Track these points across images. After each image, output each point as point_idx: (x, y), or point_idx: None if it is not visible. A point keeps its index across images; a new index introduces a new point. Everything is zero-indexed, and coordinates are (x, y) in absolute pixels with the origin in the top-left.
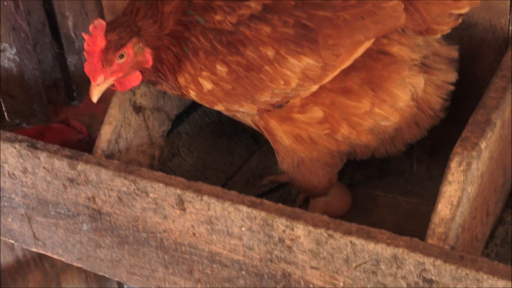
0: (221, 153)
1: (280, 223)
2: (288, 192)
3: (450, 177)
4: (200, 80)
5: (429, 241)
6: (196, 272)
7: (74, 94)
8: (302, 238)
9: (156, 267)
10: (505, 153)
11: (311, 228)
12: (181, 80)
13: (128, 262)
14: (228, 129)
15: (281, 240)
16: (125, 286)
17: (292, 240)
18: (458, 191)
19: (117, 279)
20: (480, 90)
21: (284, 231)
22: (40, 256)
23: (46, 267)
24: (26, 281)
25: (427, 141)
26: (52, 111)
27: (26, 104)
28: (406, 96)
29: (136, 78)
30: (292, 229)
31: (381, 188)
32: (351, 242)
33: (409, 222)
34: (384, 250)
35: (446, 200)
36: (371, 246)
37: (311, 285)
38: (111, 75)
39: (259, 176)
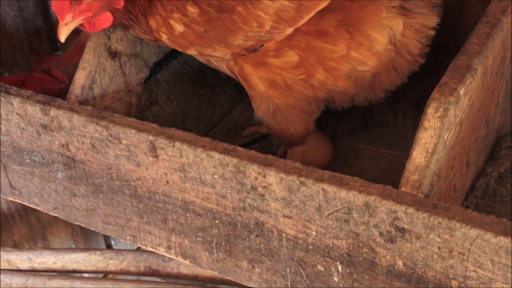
0: (202, 103)
1: (252, 170)
2: (269, 144)
3: (426, 124)
4: (171, 22)
5: (403, 189)
6: (170, 221)
7: (58, 44)
8: (274, 185)
9: (131, 217)
10: (488, 103)
11: (283, 175)
12: (152, 23)
13: (103, 211)
14: (210, 79)
15: (254, 188)
16: (112, 242)
17: (264, 187)
18: (434, 138)
19: (92, 229)
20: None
21: (256, 178)
22: (26, 209)
23: (32, 220)
24: (11, 234)
25: (412, 93)
26: (34, 61)
27: (8, 53)
28: (383, 39)
29: (106, 19)
30: (264, 176)
31: (365, 140)
32: (323, 189)
33: (390, 175)
34: (356, 198)
35: (421, 147)
36: (343, 193)
37: (284, 235)
38: (80, 14)
39: (241, 127)
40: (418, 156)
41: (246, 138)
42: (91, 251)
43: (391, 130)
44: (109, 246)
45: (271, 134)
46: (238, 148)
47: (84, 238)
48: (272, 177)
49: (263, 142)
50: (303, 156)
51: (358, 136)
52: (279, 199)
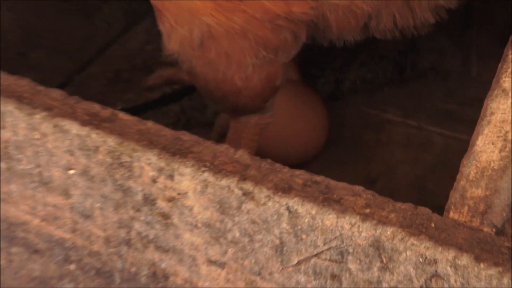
0: (64, 18)
1: (148, 163)
2: (196, 107)
3: (505, 82)
4: None
5: (452, 215)
6: None
7: None
8: (192, 197)
9: None
10: None
11: (209, 175)
12: None
13: None
14: None
15: (150, 201)
16: None
17: (171, 201)
18: None
19: None
20: None
21: (155, 180)
22: None
23: None
24: None
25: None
26: None
27: None
28: None
29: None
30: (172, 177)
31: (394, 105)
32: (289, 209)
33: (436, 177)
34: (356, 230)
35: (493, 130)
36: (329, 219)
37: None
38: None
39: (142, 69)
40: (486, 147)
41: (151, 91)
42: None
43: (444, 87)
44: None
45: (198, 89)
46: (121, 114)
47: None
48: (188, 180)
49: (188, 102)
50: (260, 137)
51: (382, 98)
52: (200, 225)
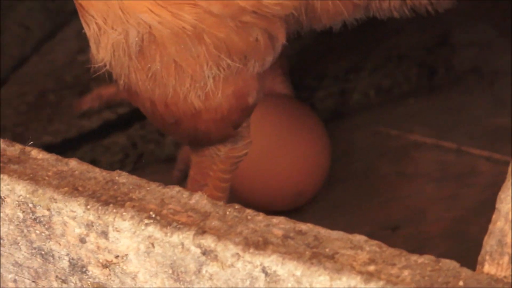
0: None
1: (71, 217)
2: (155, 136)
3: None
4: None
5: (487, 268)
6: None
7: None
8: (134, 259)
9: None
10: None
11: (155, 231)
12: None
13: None
14: None
15: (78, 268)
16: None
17: (107, 266)
18: None
19: None
20: None
21: (83, 240)
22: None
23: None
24: None
25: None
26: None
27: None
28: None
29: None
30: (106, 235)
31: (422, 122)
32: (264, 271)
33: (484, 213)
34: None
35: None
36: (322, 285)
37: None
38: None
39: (74, 87)
40: None
41: (88, 118)
42: None
43: (492, 94)
44: None
45: (143, 113)
46: (34, 152)
47: None
48: (127, 238)
49: (134, 134)
50: (233, 175)
51: (405, 114)
52: None
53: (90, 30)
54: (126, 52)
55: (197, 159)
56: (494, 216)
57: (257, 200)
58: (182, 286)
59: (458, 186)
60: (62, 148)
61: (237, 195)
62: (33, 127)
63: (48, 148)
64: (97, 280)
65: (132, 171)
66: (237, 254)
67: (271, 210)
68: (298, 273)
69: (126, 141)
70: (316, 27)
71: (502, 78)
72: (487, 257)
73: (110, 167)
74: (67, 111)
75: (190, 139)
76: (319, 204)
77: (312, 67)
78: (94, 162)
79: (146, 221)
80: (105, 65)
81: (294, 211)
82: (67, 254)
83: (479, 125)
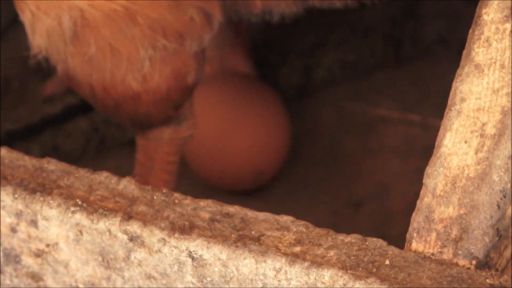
0: None
1: (0, 206)
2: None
3: (477, 56)
4: None
5: (415, 246)
6: None
7: None
8: (64, 247)
9: None
10: None
11: (82, 218)
12: None
13: None
14: None
15: (12, 257)
16: None
17: (39, 255)
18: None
19: None
20: None
21: (14, 229)
22: None
23: None
24: None
25: None
26: None
27: None
28: None
29: None
30: (35, 224)
31: (388, 96)
32: (191, 255)
33: None
34: (284, 285)
35: (464, 120)
36: (249, 268)
37: None
38: None
39: (39, 73)
40: (456, 147)
41: (50, 103)
42: None
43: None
44: None
45: (84, 98)
46: None
47: None
48: (56, 226)
49: (96, 118)
50: (184, 156)
51: (371, 87)
52: (81, 286)
53: (25, 17)
54: (61, 38)
55: (142, 142)
56: (421, 192)
57: (218, 180)
58: (113, 273)
59: (424, 160)
60: (25, 134)
61: (198, 176)
62: None
63: (11, 135)
64: (31, 269)
65: (95, 156)
66: (163, 239)
67: (233, 190)
68: (223, 256)
69: (88, 126)
70: (252, 12)
71: None
72: (415, 234)
73: (72, 152)
74: (31, 98)
75: (132, 121)
76: (282, 183)
77: (275, 43)
78: (56, 148)
79: (72, 208)
80: (41, 52)
81: (257, 191)
82: (0, 244)
83: (447, 97)
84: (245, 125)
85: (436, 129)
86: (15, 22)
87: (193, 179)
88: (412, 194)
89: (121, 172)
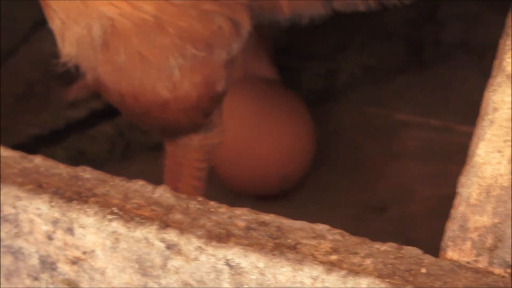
0: None
1: (36, 214)
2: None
3: (509, 66)
4: None
5: (449, 254)
6: None
7: None
8: (101, 255)
9: None
10: None
11: (119, 226)
12: None
13: None
14: None
15: (48, 265)
16: None
17: (75, 262)
18: None
19: None
20: None
21: (50, 237)
22: None
23: None
24: None
25: None
26: None
27: None
28: None
29: None
30: (71, 232)
31: (409, 100)
32: (228, 263)
33: None
34: None
35: (497, 130)
36: (286, 276)
37: None
38: None
39: (62, 78)
40: (490, 156)
41: (75, 108)
42: None
43: (481, 69)
44: None
45: (114, 106)
46: None
47: None
48: (93, 234)
49: (121, 122)
50: (212, 163)
51: (392, 92)
52: None
53: (54, 25)
54: (91, 46)
55: (171, 149)
56: (455, 201)
57: (243, 185)
58: (150, 281)
59: (446, 164)
60: (50, 139)
61: (222, 181)
62: (21, 118)
63: (36, 139)
64: (67, 276)
65: (120, 160)
66: (200, 247)
67: (258, 195)
68: (261, 265)
69: (113, 130)
70: (280, 17)
71: (491, 52)
72: (450, 243)
73: (98, 157)
74: (55, 102)
75: (161, 129)
76: (306, 187)
77: (297, 48)
78: (81, 153)
79: (109, 216)
80: (71, 60)
81: (281, 196)
82: (36, 252)
83: (468, 101)
84: (270, 130)
85: (457, 132)
86: (38, 26)
87: (216, 184)
88: (435, 198)
89: (146, 176)
